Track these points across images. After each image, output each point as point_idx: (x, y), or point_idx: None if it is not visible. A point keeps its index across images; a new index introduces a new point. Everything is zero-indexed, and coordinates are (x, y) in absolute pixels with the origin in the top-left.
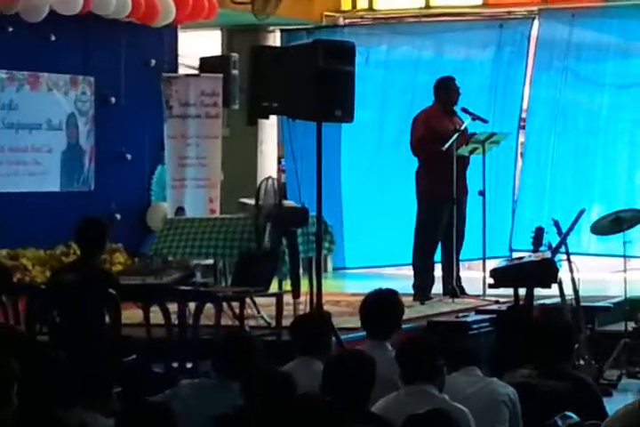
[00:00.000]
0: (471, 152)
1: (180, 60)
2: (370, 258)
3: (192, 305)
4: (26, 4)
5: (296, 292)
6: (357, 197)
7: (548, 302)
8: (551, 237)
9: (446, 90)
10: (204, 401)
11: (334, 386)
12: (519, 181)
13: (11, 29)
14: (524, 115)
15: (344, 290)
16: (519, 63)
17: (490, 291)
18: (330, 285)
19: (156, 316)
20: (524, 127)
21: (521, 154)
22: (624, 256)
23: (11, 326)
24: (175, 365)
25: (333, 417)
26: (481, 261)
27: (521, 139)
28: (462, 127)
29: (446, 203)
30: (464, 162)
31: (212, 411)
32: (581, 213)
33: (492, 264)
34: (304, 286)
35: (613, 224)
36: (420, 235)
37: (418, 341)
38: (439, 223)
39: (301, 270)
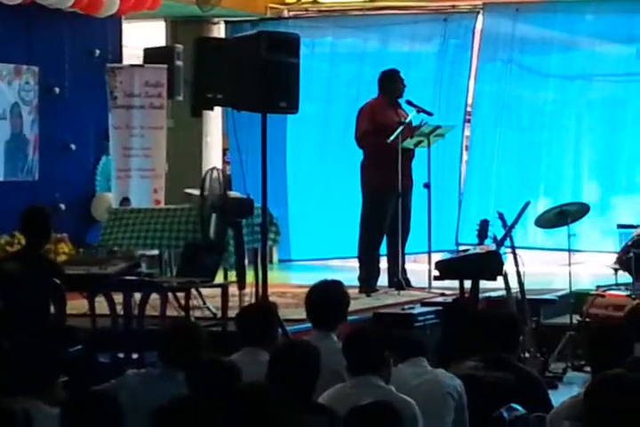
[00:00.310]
0: (416, 145)
1: (125, 51)
2: (315, 250)
3: (137, 296)
4: None
5: (241, 283)
6: (303, 190)
7: (493, 294)
8: (496, 230)
9: (391, 82)
10: (150, 391)
11: (280, 376)
12: (465, 175)
13: None
14: (469, 108)
15: (289, 282)
16: (464, 57)
17: (435, 284)
18: (275, 276)
19: (101, 306)
20: (469, 121)
21: (466, 147)
22: (569, 250)
23: None
24: (121, 355)
25: (279, 407)
26: (427, 255)
27: (466, 132)
28: (407, 120)
29: (391, 195)
30: (409, 154)
31: (158, 401)
32: (526, 205)
33: (437, 258)
34: (249, 277)
35: (558, 217)
36: (366, 227)
37: (364, 332)
38: (384, 216)
39: (247, 262)
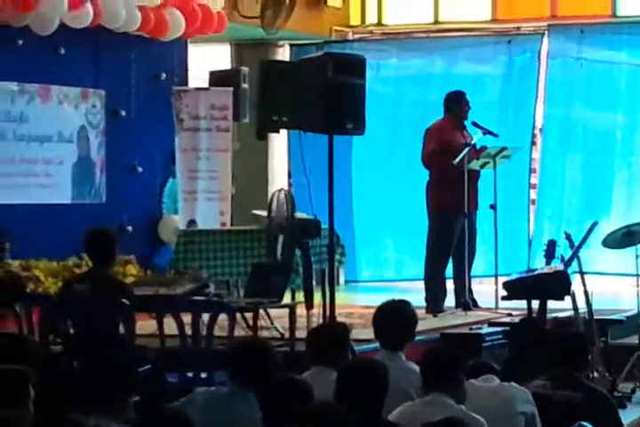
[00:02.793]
0: (482, 166)
1: (190, 74)
2: (381, 271)
3: (205, 316)
4: (36, 16)
5: (309, 303)
6: (369, 211)
7: (560, 315)
8: (564, 251)
9: (457, 104)
10: (220, 409)
11: (348, 393)
12: (536, 199)
13: (21, 42)
14: (536, 131)
15: (356, 302)
16: (530, 79)
17: (502, 304)
18: (342, 297)
19: (169, 326)
20: (535, 143)
21: (533, 170)
22: (637, 275)
23: (24, 337)
24: (190, 375)
25: (350, 425)
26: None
27: (533, 155)
28: (473, 141)
29: (457, 216)
30: (475, 175)
31: (226, 418)
32: (594, 225)
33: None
34: (317, 297)
35: (625, 238)
36: (432, 248)
37: (443, 352)
38: (451, 237)
39: (314, 282)
